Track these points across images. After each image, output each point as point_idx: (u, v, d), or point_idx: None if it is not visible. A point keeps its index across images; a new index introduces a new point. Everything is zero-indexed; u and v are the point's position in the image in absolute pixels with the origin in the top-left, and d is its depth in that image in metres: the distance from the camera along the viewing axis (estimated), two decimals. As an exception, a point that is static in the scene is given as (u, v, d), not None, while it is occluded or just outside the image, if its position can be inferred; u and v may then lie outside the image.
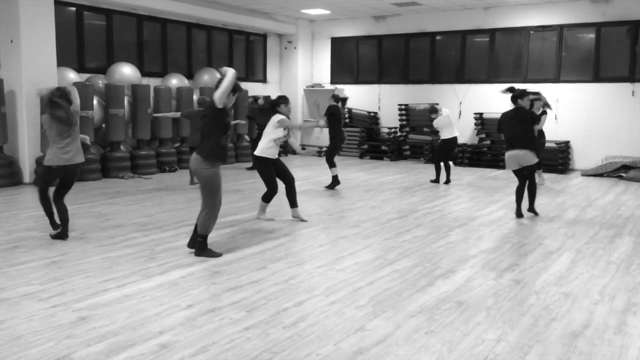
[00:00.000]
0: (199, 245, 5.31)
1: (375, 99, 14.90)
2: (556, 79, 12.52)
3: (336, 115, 9.40)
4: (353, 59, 15.36)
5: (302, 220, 6.90)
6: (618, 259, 5.45)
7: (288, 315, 3.89)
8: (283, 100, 6.94)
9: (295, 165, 12.77)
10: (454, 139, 10.03)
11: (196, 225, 5.35)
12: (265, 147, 6.71)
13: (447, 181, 10.01)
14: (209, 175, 5.16)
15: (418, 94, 14.14)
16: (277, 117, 6.75)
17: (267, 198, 6.90)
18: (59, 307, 3.98)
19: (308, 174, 11.51)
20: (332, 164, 9.38)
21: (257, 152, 6.79)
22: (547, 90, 12.33)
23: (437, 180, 10.06)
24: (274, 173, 6.83)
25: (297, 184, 10.09)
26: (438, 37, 14.02)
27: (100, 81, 10.75)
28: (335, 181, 9.36)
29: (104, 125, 10.67)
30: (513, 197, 8.90)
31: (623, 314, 4.02)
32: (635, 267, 5.18)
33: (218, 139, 5.18)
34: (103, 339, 3.47)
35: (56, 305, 4.01)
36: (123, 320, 3.77)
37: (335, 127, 9.41)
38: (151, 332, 3.59)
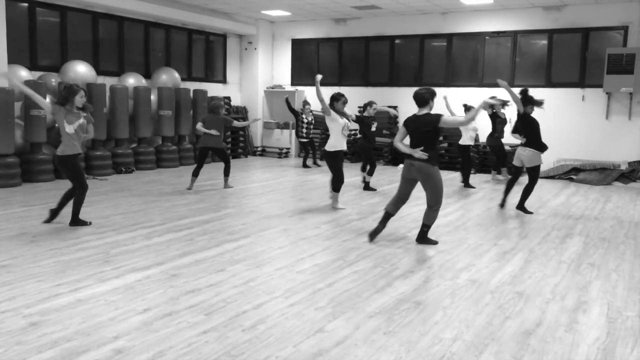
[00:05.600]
0: (422, 233, 6.06)
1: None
2: (510, 84, 12.81)
3: (366, 123, 9.52)
4: (313, 61, 15.39)
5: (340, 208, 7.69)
6: (569, 259, 5.63)
7: (247, 318, 3.86)
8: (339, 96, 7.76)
9: (256, 167, 12.72)
10: None
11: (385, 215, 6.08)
12: (336, 142, 7.56)
13: None
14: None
15: (378, 97, 14.24)
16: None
17: (336, 188, 7.81)
18: (9, 313, 3.84)
19: (268, 175, 11.47)
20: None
21: (328, 148, 7.62)
22: (502, 94, 12.66)
23: None
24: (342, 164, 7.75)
25: (257, 185, 10.10)
26: (397, 41, 14.19)
27: (53, 80, 10.43)
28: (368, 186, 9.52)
29: (57, 125, 10.35)
30: (468, 200, 9.12)
31: (574, 312, 4.15)
32: (585, 267, 5.37)
33: None
34: (55, 345, 3.37)
35: (5, 311, 3.87)
36: (76, 325, 3.67)
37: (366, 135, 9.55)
38: (106, 337, 3.50)
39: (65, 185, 9.44)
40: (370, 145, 9.64)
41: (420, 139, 5.75)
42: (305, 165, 12.66)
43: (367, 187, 9.63)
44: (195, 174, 9.33)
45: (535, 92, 12.44)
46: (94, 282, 4.55)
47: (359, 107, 13.88)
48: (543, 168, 12.22)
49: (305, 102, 13.02)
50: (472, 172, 10.09)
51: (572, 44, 12.28)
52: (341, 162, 7.74)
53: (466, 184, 10.24)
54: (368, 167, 9.63)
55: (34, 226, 6.42)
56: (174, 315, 3.87)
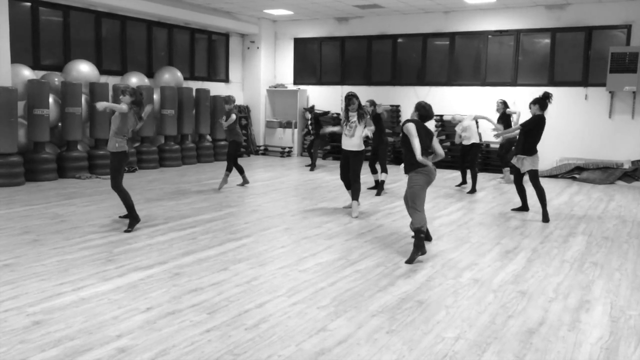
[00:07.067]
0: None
1: (338, 100, 14.96)
2: (513, 83, 12.83)
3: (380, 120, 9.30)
4: (316, 60, 15.39)
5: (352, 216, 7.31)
6: (571, 258, 5.63)
7: (250, 317, 3.87)
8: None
9: (258, 166, 12.74)
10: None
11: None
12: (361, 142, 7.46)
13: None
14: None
15: (380, 95, 14.24)
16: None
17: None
18: (12, 312, 3.85)
19: (270, 174, 11.48)
20: (383, 169, 9.25)
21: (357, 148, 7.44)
22: (504, 93, 12.65)
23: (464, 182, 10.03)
24: (344, 164, 7.72)
25: (259, 184, 10.10)
26: (400, 40, 14.18)
27: (56, 79, 10.45)
28: (381, 186, 9.23)
29: (60, 124, 10.39)
30: (472, 198, 9.11)
31: (576, 311, 4.14)
32: (587, 266, 5.36)
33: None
34: (58, 343, 3.38)
35: (9, 310, 3.88)
36: (79, 324, 3.68)
37: (381, 132, 9.19)
38: (109, 336, 3.51)
39: (65, 185, 9.48)
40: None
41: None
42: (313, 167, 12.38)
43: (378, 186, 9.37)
44: (238, 169, 9.59)
45: (538, 91, 12.49)
46: (97, 280, 4.56)
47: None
48: (546, 167, 12.30)
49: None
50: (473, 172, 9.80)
51: (575, 42, 12.25)
52: (343, 160, 7.71)
53: (461, 183, 10.14)
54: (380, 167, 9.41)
55: (37, 225, 6.44)
56: (176, 314, 3.88)
